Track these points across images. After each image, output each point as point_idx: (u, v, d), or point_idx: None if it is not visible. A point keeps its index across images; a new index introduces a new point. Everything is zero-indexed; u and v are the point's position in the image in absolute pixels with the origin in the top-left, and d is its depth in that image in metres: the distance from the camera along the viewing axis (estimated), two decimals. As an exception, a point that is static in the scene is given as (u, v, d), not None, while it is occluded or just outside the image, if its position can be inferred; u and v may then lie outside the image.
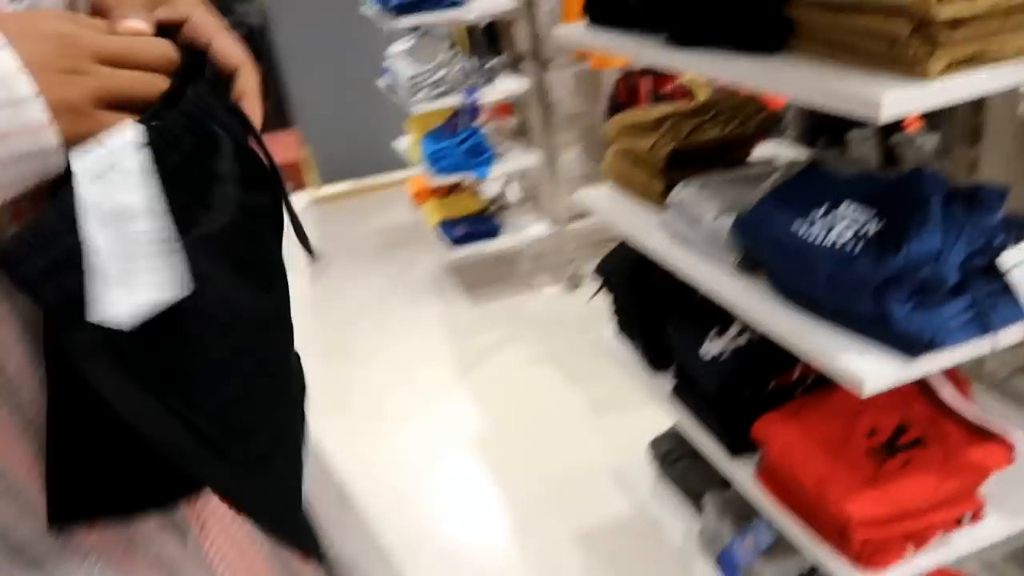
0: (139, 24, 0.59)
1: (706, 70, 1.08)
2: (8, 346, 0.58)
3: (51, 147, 0.50)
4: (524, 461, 2.28)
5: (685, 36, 1.08)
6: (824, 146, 1.51)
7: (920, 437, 1.03)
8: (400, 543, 2.05)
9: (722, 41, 1.03)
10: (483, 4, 3.08)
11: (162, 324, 0.55)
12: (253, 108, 0.66)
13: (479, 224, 3.24)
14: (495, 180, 3.61)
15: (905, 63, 0.80)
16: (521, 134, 3.50)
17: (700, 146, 1.39)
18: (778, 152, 1.55)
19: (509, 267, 3.51)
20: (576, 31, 1.42)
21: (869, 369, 0.87)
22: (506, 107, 3.66)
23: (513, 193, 3.70)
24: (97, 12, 0.64)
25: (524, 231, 3.31)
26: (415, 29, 3.25)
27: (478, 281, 3.43)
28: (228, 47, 0.65)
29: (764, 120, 1.45)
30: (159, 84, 0.56)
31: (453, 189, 3.54)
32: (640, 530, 1.88)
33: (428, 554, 2.01)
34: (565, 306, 3.13)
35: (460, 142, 3.10)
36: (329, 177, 4.53)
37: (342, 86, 4.31)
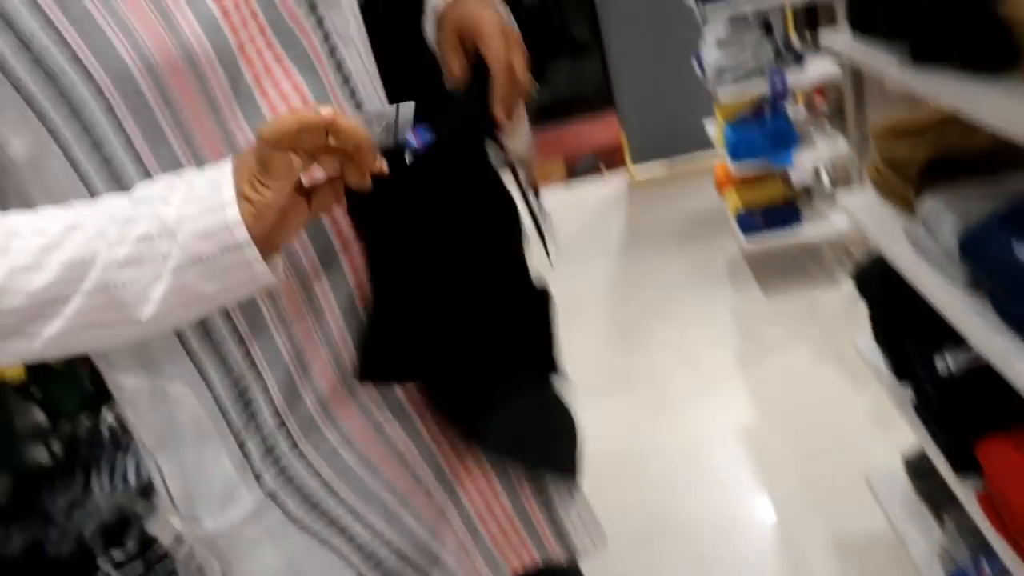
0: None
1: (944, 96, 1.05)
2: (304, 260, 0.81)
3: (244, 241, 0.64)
4: (791, 459, 2.29)
5: (923, 52, 1.07)
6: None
7: None
8: (657, 520, 2.21)
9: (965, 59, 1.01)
10: (798, -10, 3.02)
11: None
12: (506, 107, 0.81)
13: (780, 213, 3.21)
14: (804, 167, 3.53)
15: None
16: (834, 118, 3.37)
17: (963, 153, 1.33)
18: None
19: (811, 259, 3.42)
20: (839, 37, 1.43)
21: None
22: (820, 90, 3.54)
23: (822, 181, 3.58)
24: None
25: (828, 222, 3.21)
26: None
27: (776, 271, 3.39)
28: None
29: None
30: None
31: (761, 177, 3.52)
32: (890, 543, 1.82)
33: (680, 536, 2.14)
34: (862, 305, 2.99)
35: (764, 128, 3.09)
36: (644, 157, 4.69)
37: (662, 66, 4.39)
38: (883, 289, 1.45)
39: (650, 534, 2.15)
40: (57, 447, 1.56)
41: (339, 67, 0.79)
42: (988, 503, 1.11)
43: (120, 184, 0.70)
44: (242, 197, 0.64)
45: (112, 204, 0.66)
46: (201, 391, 0.81)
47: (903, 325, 1.37)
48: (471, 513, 1.05)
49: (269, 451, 0.85)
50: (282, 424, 0.84)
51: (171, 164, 0.70)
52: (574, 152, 5.03)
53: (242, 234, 0.64)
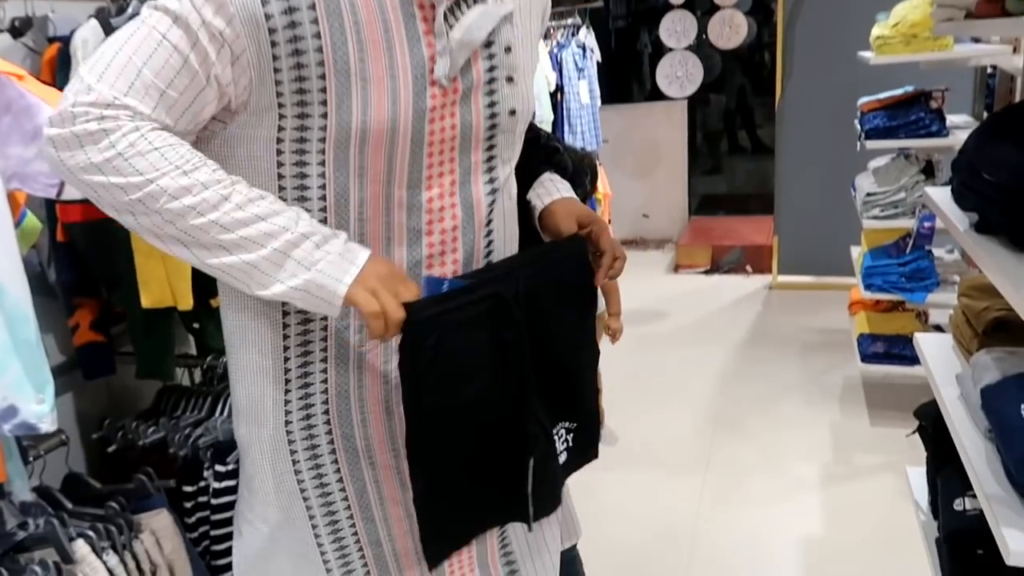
0: None
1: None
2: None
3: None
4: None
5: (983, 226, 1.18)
6: None
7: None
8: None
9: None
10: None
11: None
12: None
13: (901, 347, 3.20)
14: (941, 309, 3.49)
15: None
16: (983, 270, 3.33)
17: (1034, 320, 1.40)
18: None
19: (927, 398, 3.36)
20: (939, 192, 1.54)
21: (1016, 541, 0.94)
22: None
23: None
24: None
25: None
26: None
27: (887, 402, 3.36)
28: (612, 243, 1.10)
29: None
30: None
31: (895, 307, 3.51)
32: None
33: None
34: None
35: (902, 263, 3.11)
36: (791, 269, 4.74)
37: (823, 186, 4.48)
38: (934, 428, 1.53)
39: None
40: (198, 375, 1.90)
41: (491, 179, 1.05)
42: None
43: (302, 185, 0.95)
44: (355, 283, 0.91)
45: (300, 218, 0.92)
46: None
47: (941, 462, 1.44)
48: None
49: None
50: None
51: (343, 190, 0.96)
52: (724, 244, 5.13)
53: (339, 300, 0.91)
